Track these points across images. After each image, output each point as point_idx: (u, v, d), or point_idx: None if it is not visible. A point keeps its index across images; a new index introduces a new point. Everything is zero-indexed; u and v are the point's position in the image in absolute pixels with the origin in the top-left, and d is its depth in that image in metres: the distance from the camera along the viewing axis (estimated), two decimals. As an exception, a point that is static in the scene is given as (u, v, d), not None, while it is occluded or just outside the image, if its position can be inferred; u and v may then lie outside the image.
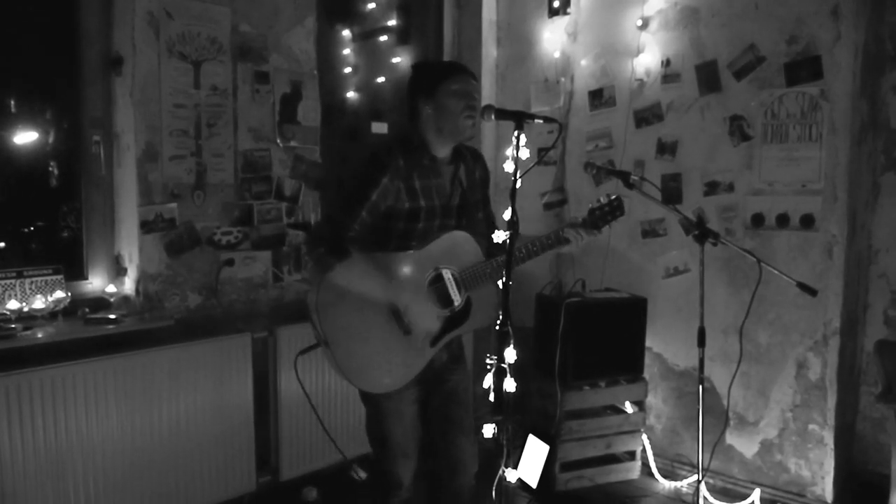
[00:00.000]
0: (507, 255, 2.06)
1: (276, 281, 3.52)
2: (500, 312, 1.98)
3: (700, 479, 2.91)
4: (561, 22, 4.12)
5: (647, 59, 3.78)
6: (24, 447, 2.57)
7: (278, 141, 3.48)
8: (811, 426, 3.37)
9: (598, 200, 2.41)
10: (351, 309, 2.15)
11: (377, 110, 4.15)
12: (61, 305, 2.89)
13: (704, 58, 3.59)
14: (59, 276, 2.94)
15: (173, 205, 3.14)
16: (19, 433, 2.56)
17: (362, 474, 3.44)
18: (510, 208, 2.07)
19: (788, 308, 3.39)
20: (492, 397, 2.01)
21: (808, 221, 3.32)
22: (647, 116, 3.81)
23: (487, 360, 2.01)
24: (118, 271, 3.18)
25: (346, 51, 4.01)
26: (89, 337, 2.80)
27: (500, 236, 2.39)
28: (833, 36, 3.20)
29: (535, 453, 3.54)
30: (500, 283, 2.14)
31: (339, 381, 3.39)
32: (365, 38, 4.11)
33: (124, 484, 2.84)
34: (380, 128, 4.13)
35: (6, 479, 2.53)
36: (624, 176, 2.86)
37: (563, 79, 4.13)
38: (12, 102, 3.07)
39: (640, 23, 3.78)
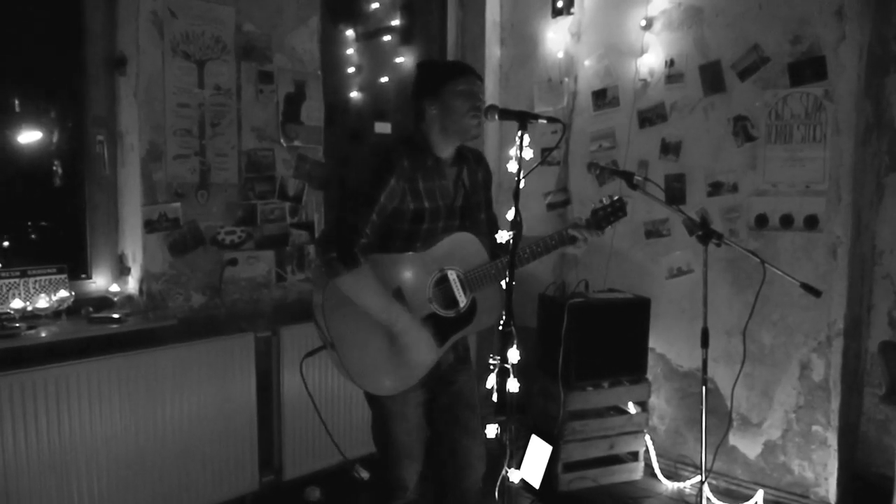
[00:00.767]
0: (510, 256, 2.06)
1: (279, 281, 3.52)
2: (504, 313, 1.98)
3: (703, 480, 2.90)
4: (564, 22, 4.12)
5: (651, 59, 3.77)
6: (27, 446, 2.58)
7: (282, 141, 3.48)
8: (815, 427, 3.37)
9: (601, 201, 2.43)
10: (357, 311, 2.14)
11: (380, 110, 4.16)
12: (65, 305, 2.90)
13: (708, 58, 3.58)
14: (63, 276, 2.95)
15: (177, 204, 3.15)
16: (23, 432, 2.57)
17: (365, 474, 3.44)
18: (514, 208, 2.07)
19: (792, 309, 3.38)
20: (495, 398, 2.01)
21: (812, 222, 3.32)
22: (650, 117, 3.81)
23: (491, 361, 2.01)
24: (122, 271, 3.19)
25: (350, 51, 4.01)
26: (93, 336, 2.81)
27: (503, 237, 2.39)
28: (837, 36, 3.20)
29: (538, 454, 3.53)
30: (504, 283, 2.15)
31: (341, 381, 3.40)
32: (368, 37, 4.12)
33: (127, 483, 2.84)
34: (383, 128, 4.13)
35: (10, 478, 2.54)
36: (627, 176, 2.85)
37: (566, 79, 4.13)
38: (16, 102, 3.07)
39: (643, 23, 3.77)
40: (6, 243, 3.04)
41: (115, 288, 3.12)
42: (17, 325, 2.69)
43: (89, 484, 2.74)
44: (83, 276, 3.14)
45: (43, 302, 2.85)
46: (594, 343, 3.59)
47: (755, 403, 3.53)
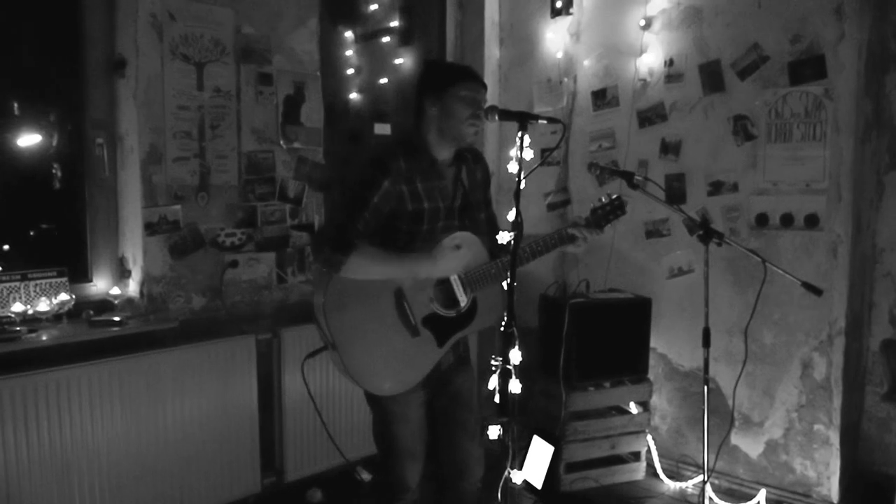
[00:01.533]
0: (511, 256, 2.05)
1: (280, 282, 3.52)
2: (506, 313, 1.98)
3: (705, 479, 2.90)
4: (564, 22, 4.12)
5: (651, 59, 3.77)
6: (28, 449, 2.58)
7: (282, 142, 3.48)
8: (816, 426, 3.36)
9: (600, 200, 2.44)
10: (358, 311, 2.15)
11: (380, 111, 4.15)
12: (65, 308, 2.90)
13: (708, 57, 3.58)
14: (64, 279, 2.95)
15: (177, 207, 3.15)
16: (24, 435, 2.57)
17: (366, 476, 3.44)
18: (514, 209, 2.07)
19: (793, 308, 3.38)
20: (497, 399, 2.00)
21: (812, 221, 3.31)
22: (650, 116, 3.81)
23: (492, 362, 2.01)
24: (122, 273, 3.19)
25: (349, 52, 4.01)
26: (93, 339, 2.81)
27: (504, 237, 2.40)
28: (837, 35, 3.20)
29: (539, 454, 3.53)
30: (505, 283, 2.15)
31: (343, 383, 3.40)
32: (367, 39, 4.11)
33: (129, 486, 2.84)
34: (382, 129, 4.13)
35: (11, 481, 2.54)
36: (628, 176, 2.85)
37: (566, 79, 4.13)
38: (16, 105, 3.07)
39: (643, 23, 3.77)
40: (6, 247, 3.04)
41: (115, 291, 3.12)
42: (18, 328, 2.69)
43: (90, 487, 2.74)
44: (84, 279, 3.14)
45: (43, 305, 2.85)
46: (595, 343, 3.59)
47: (757, 403, 3.53)
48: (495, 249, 2.44)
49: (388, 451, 2.33)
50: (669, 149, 3.74)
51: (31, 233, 3.17)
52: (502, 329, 1.97)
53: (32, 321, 2.81)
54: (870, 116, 3.37)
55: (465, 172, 2.39)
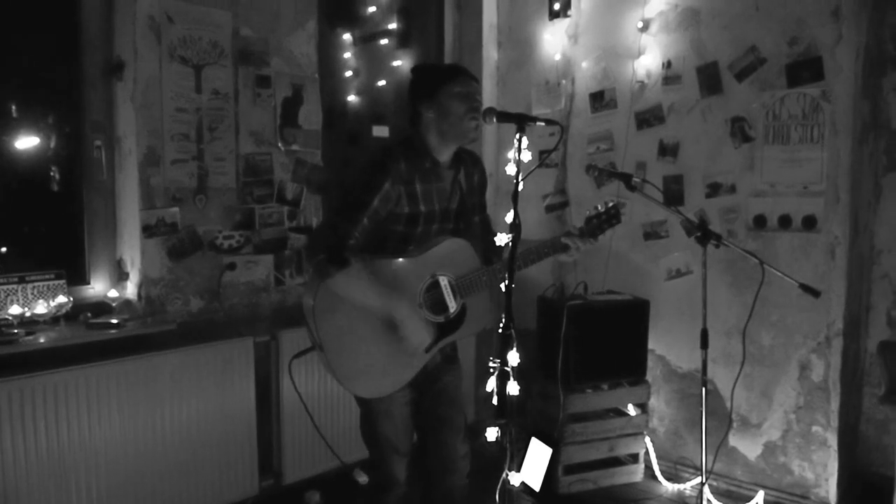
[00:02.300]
0: (509, 258, 2.06)
1: (277, 285, 3.52)
2: (504, 315, 1.98)
3: (703, 481, 2.90)
4: (561, 24, 4.12)
5: (648, 61, 3.78)
6: (26, 452, 2.57)
7: (280, 145, 3.48)
8: (814, 428, 3.37)
9: (596, 208, 2.41)
10: (347, 315, 2.15)
11: (378, 114, 4.15)
12: (63, 310, 2.89)
13: (705, 59, 3.58)
14: (62, 281, 2.94)
15: (175, 209, 3.14)
16: (21, 438, 2.56)
17: (364, 478, 3.43)
18: (512, 211, 2.07)
19: (791, 310, 3.39)
20: (495, 400, 2.00)
21: (810, 223, 3.32)
22: (648, 118, 3.81)
23: (490, 364, 2.01)
24: (120, 276, 3.18)
25: (347, 54, 4.01)
26: (91, 342, 2.80)
27: (502, 240, 2.40)
28: (834, 37, 3.20)
29: (537, 456, 3.53)
30: (497, 287, 2.15)
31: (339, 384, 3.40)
32: (366, 41, 4.12)
33: (126, 488, 2.84)
34: (381, 131, 4.13)
35: (9, 483, 2.53)
36: (626, 178, 2.86)
37: (563, 81, 4.13)
38: (14, 107, 3.06)
39: (640, 25, 3.78)
40: (4, 249, 3.03)
41: (113, 293, 3.11)
42: (16, 331, 2.68)
43: (88, 489, 2.73)
44: (81, 281, 3.14)
45: (41, 308, 2.84)
46: (593, 345, 3.59)
47: (755, 404, 3.53)
48: (489, 253, 2.44)
49: (375, 446, 2.36)
50: (667, 151, 3.75)
51: (29, 235, 3.16)
52: (500, 331, 1.97)
53: (30, 323, 2.80)
54: (867, 118, 3.38)
55: (464, 175, 2.39)
